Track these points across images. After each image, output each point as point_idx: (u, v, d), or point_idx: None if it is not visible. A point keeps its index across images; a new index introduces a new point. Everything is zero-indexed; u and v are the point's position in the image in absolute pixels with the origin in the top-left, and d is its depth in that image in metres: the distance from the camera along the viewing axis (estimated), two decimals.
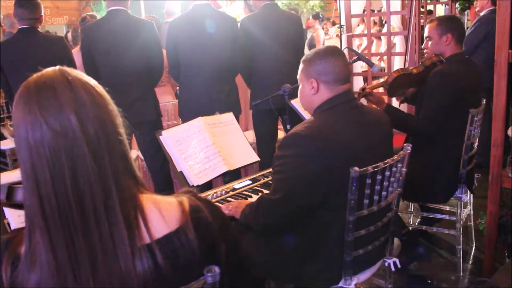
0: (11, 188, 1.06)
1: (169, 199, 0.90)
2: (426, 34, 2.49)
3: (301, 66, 1.68)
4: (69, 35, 4.60)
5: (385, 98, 3.11)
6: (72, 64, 3.01)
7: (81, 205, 0.78)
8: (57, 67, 0.85)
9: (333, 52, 1.62)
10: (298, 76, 1.70)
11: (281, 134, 3.50)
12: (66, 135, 0.78)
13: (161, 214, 0.86)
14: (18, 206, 1.06)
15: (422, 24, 4.73)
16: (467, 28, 4.11)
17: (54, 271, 0.79)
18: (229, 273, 0.96)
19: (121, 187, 0.82)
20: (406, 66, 4.39)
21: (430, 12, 5.70)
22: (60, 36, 3.36)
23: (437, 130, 2.35)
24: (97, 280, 0.79)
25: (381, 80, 2.59)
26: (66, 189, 0.78)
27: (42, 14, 3.06)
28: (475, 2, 4.03)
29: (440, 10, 7.87)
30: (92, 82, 0.85)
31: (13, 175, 1.47)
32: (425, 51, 2.58)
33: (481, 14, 3.93)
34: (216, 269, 0.85)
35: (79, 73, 0.85)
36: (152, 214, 0.85)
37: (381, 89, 2.78)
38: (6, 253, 0.84)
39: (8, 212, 1.41)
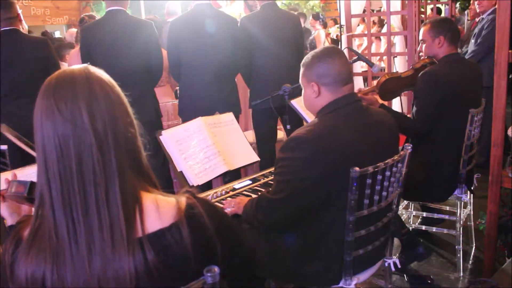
0: (33, 183, 1.12)
1: (169, 198, 0.92)
2: (420, 37, 2.51)
3: (301, 70, 1.66)
4: (68, 34, 4.57)
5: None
6: (56, 66, 2.92)
7: (84, 189, 0.83)
8: (84, 65, 0.90)
9: (330, 52, 1.59)
10: (300, 80, 1.68)
11: (280, 134, 3.49)
12: (75, 124, 0.83)
13: (158, 211, 0.88)
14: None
15: (422, 20, 4.73)
16: (474, 28, 4.08)
17: (54, 249, 0.83)
18: (227, 274, 0.95)
19: (125, 182, 0.86)
20: (407, 66, 4.40)
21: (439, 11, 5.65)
22: (43, 38, 3.27)
23: (429, 129, 2.36)
24: (92, 266, 0.82)
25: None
26: (71, 172, 0.83)
27: (19, 12, 2.93)
28: (476, 3, 4.01)
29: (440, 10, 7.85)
30: (110, 81, 0.90)
31: (10, 175, 1.47)
32: (420, 54, 2.60)
33: (486, 14, 3.90)
34: (216, 269, 0.85)
35: (101, 72, 0.90)
36: (149, 211, 0.87)
37: None
38: (12, 233, 0.90)
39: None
